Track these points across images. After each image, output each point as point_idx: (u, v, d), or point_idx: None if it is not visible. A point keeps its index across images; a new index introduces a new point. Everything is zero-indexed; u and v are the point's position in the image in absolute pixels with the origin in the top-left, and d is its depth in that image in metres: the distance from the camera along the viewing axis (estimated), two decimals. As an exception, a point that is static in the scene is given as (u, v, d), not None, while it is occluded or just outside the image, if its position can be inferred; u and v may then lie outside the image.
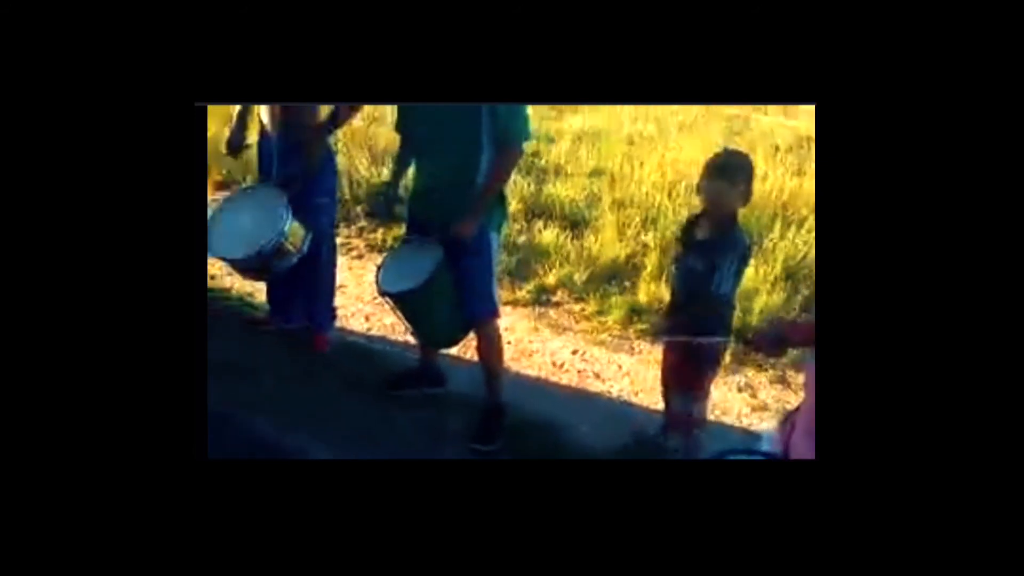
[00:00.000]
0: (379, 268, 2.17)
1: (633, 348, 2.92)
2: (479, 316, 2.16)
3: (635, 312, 3.12)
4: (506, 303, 3.16)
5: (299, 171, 2.30)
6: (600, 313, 3.15)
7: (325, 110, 2.35)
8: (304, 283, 2.53)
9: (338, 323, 2.82)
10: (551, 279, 3.39)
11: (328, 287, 2.62)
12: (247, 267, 2.28)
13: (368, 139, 5.08)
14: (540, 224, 4.01)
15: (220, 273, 3.00)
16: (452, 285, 2.08)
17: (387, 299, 2.13)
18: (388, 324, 2.86)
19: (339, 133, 5.14)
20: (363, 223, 3.95)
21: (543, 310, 3.20)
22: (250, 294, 2.96)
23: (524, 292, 3.30)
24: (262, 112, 2.42)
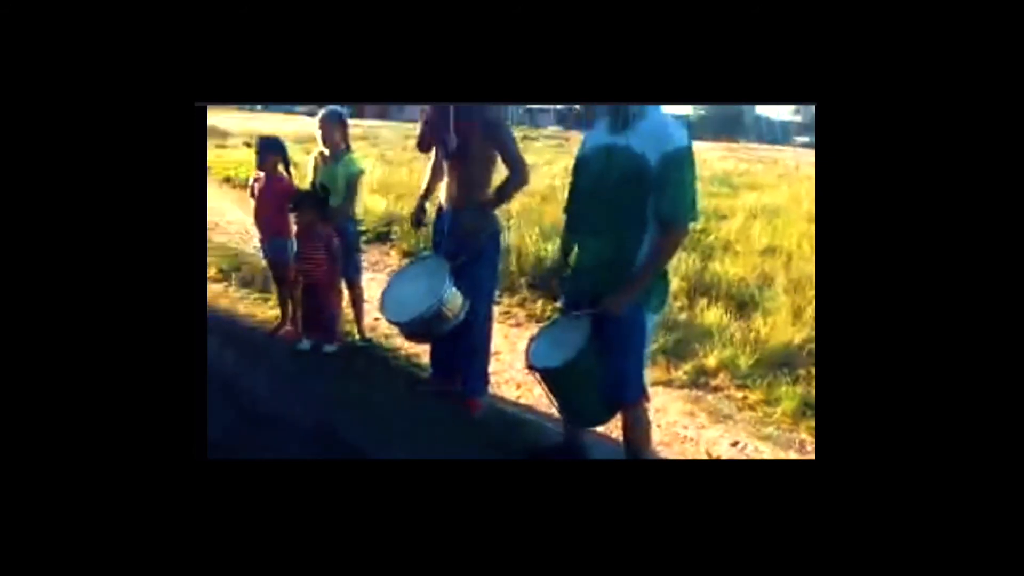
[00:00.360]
0: (530, 341, 2.13)
1: (805, 446, 2.50)
2: (626, 399, 2.00)
3: (809, 406, 2.70)
4: (659, 383, 2.95)
5: (464, 244, 2.38)
6: (767, 403, 2.78)
7: (493, 188, 2.44)
8: (462, 348, 2.57)
9: (491, 388, 2.82)
10: (712, 361, 3.10)
11: (483, 353, 2.64)
12: (411, 330, 2.38)
13: (538, 216, 5.24)
14: (703, 303, 3.73)
15: (392, 333, 3.19)
16: (600, 365, 1.96)
17: (534, 373, 2.06)
18: (536, 395, 2.79)
19: (512, 211, 5.41)
20: (525, 294, 4.01)
21: (700, 394, 2.92)
22: (416, 355, 3.09)
23: (681, 373, 3.05)
24: (441, 190, 2.57)
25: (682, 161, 1.84)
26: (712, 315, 3.54)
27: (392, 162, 8.81)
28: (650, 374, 3.03)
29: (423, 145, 2.57)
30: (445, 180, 2.52)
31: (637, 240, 1.91)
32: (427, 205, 2.70)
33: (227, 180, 7.78)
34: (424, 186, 2.70)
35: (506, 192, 2.43)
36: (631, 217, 1.90)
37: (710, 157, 15.39)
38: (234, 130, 13.33)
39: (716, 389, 2.95)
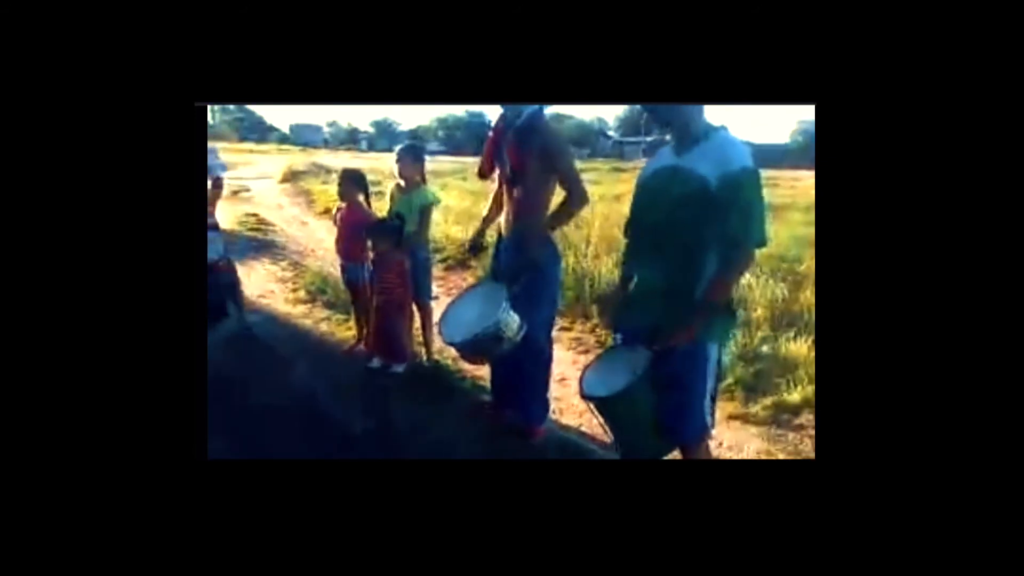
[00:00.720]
0: (585, 368, 2.02)
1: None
2: (684, 435, 1.83)
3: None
4: (735, 417, 2.72)
5: (522, 268, 2.34)
6: (857, 446, 2.47)
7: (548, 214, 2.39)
8: (521, 373, 2.50)
9: (554, 415, 2.71)
10: (796, 396, 2.82)
11: (542, 379, 2.55)
12: (467, 351, 2.35)
13: (618, 244, 5.10)
14: (790, 334, 3.43)
15: (459, 356, 3.17)
16: (657, 397, 1.81)
17: (588, 402, 1.95)
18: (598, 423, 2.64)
19: (591, 238, 5.31)
20: (596, 320, 3.88)
21: (781, 432, 2.64)
22: (481, 378, 3.05)
23: (759, 408, 2.79)
24: (501, 217, 2.56)
25: (745, 183, 1.69)
26: (798, 348, 3.24)
27: (477, 193, 9.01)
28: (724, 408, 2.80)
29: (484, 172, 2.58)
30: (504, 206, 2.50)
31: (697, 267, 1.77)
32: (487, 231, 2.69)
33: (326, 211, 8.28)
34: (485, 212, 2.70)
35: (563, 215, 2.37)
36: (691, 242, 1.76)
37: (806, 185, 14.49)
38: (339, 167, 14.25)
39: (799, 428, 2.66)
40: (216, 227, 3.26)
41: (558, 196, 2.40)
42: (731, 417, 2.73)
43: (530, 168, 2.32)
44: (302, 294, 4.45)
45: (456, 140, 50.10)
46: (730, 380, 3.01)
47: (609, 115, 61.63)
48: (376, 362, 3.16)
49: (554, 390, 2.83)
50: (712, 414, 1.89)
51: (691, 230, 1.75)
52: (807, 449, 2.50)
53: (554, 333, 3.53)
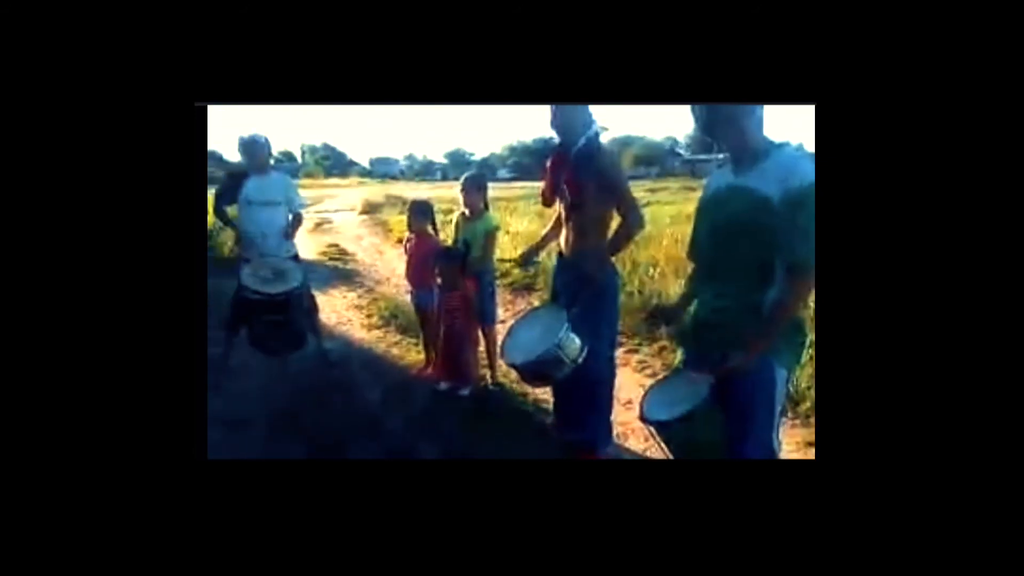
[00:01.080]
0: (647, 390, 1.98)
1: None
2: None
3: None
4: (810, 444, 2.55)
5: (580, 292, 2.34)
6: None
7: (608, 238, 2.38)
8: (584, 397, 2.48)
9: (622, 441, 2.66)
10: (881, 423, 2.61)
11: (605, 402, 2.51)
12: (528, 373, 2.35)
13: (684, 264, 4.98)
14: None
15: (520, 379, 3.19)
16: (720, 424, 1.74)
17: (648, 426, 1.90)
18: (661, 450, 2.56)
19: (659, 259, 5.21)
20: (664, 342, 3.78)
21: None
22: (544, 401, 3.04)
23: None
24: (561, 240, 2.58)
25: (809, 200, 1.61)
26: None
27: (545, 216, 9.09)
28: (800, 435, 2.65)
29: (547, 200, 2.62)
30: (564, 230, 2.52)
31: (761, 290, 1.70)
32: (542, 249, 2.78)
33: (400, 240, 8.61)
34: (545, 231, 2.74)
35: (621, 238, 2.36)
36: (755, 264, 1.70)
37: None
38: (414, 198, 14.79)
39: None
40: (296, 257, 3.46)
41: (616, 218, 2.39)
42: (809, 444, 2.57)
43: (588, 195, 2.34)
44: (376, 320, 4.63)
45: (525, 166, 50.86)
46: (807, 405, 2.84)
47: (680, 133, 60.58)
48: (443, 385, 3.23)
49: (619, 414, 2.78)
50: (778, 440, 1.80)
51: (754, 251, 1.69)
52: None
53: (620, 355, 3.49)
